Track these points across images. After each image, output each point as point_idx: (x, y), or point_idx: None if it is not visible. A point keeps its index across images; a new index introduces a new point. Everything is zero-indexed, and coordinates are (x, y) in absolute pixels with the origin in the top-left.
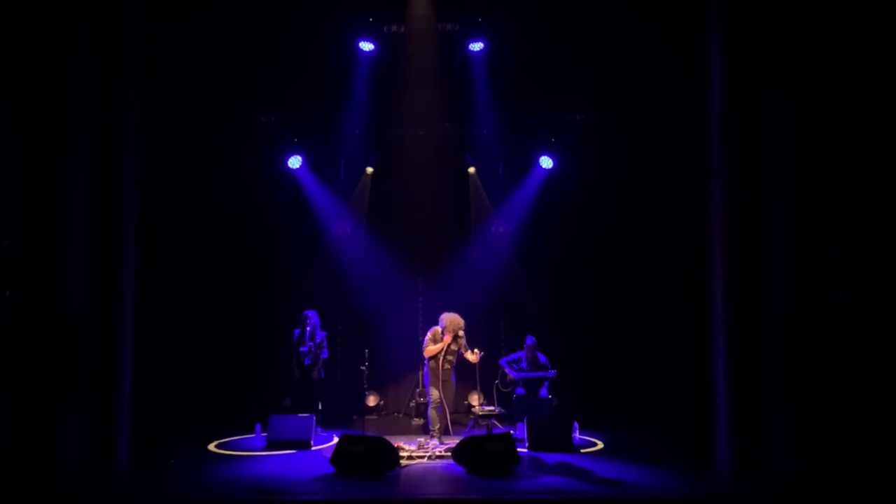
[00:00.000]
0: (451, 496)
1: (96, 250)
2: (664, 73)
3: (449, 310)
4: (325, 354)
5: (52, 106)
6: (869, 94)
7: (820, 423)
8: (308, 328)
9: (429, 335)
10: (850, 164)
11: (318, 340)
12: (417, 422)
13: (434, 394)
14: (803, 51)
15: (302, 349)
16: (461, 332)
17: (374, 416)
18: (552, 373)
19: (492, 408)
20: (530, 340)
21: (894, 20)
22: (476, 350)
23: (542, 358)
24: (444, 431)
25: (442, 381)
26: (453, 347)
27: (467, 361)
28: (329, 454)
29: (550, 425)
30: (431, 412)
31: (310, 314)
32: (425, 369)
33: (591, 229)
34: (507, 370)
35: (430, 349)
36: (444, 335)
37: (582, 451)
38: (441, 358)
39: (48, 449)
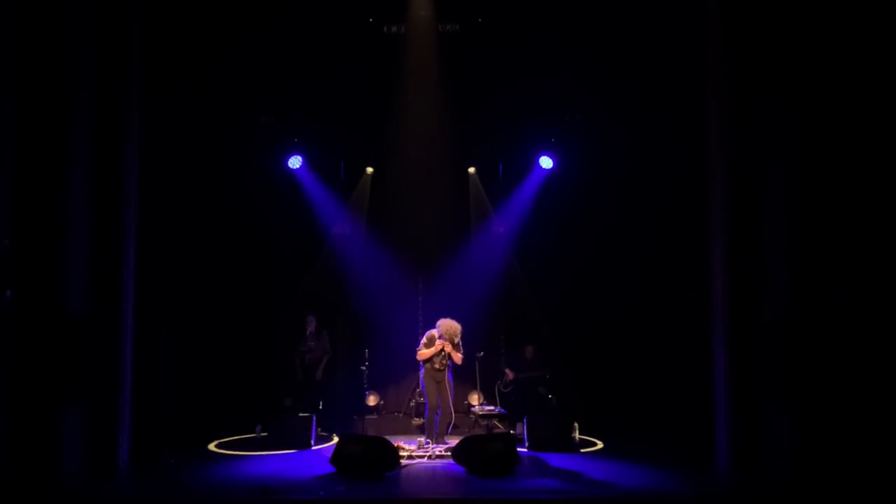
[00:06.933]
0: (451, 496)
1: (97, 250)
2: (664, 72)
3: (449, 310)
4: (328, 354)
5: (53, 102)
6: (868, 91)
7: (818, 422)
8: (309, 329)
9: (424, 339)
10: (849, 162)
11: (321, 341)
12: (417, 422)
13: (430, 397)
14: (802, 49)
15: (302, 349)
16: (457, 340)
17: (374, 416)
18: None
19: (492, 408)
20: (529, 346)
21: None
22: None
23: (540, 359)
24: (440, 434)
25: (437, 382)
26: (447, 351)
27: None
28: (329, 454)
29: (550, 425)
30: (429, 415)
31: (310, 317)
32: (422, 372)
33: (591, 229)
34: (506, 371)
35: (422, 352)
36: (439, 339)
37: (582, 451)
38: (436, 360)
39: (49, 449)
